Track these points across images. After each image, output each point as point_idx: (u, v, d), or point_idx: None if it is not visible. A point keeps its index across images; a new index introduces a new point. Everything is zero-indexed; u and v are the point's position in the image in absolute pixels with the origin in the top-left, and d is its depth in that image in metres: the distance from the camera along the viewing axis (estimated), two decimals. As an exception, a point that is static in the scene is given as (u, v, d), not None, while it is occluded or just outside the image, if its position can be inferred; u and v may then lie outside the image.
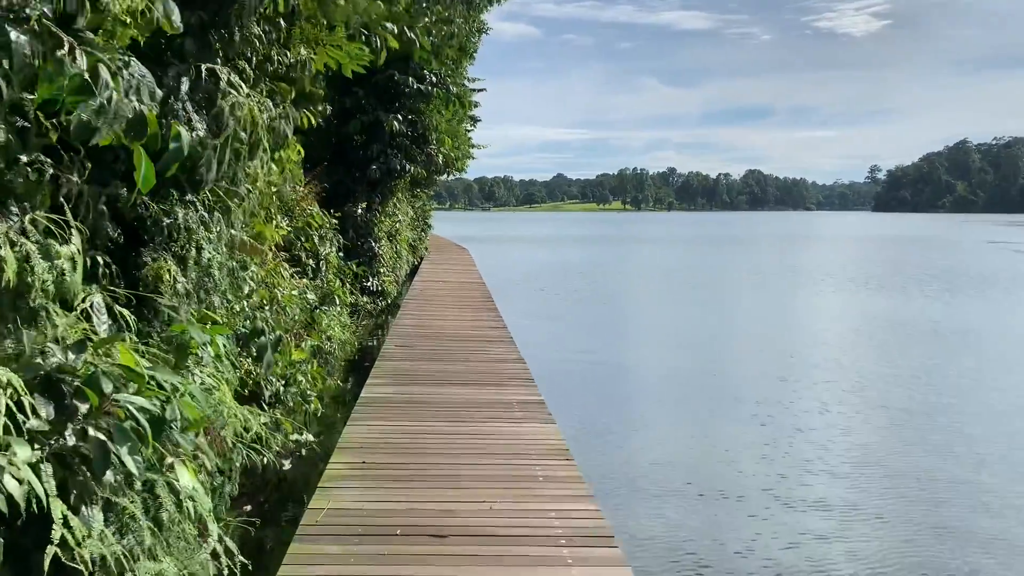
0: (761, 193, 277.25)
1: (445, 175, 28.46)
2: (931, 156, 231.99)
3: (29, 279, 3.11)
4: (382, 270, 17.59)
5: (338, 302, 12.42)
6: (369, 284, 16.91)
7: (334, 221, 12.01)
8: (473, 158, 29.89)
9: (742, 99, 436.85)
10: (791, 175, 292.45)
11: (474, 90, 23.96)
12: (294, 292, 8.64)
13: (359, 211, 16.09)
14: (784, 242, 64.16)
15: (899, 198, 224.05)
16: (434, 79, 17.85)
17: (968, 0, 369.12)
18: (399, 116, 16.90)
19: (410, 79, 17.01)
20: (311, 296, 11.69)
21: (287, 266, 10.35)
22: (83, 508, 2.87)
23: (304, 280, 11.64)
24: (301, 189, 11.99)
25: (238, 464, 5.18)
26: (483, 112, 27.92)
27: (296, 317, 8.60)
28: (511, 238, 68.28)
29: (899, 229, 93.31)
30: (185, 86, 5.09)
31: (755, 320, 19.96)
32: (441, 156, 20.28)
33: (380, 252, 17.37)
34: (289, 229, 11.34)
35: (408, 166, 17.38)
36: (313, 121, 6.67)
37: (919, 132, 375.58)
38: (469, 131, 28.64)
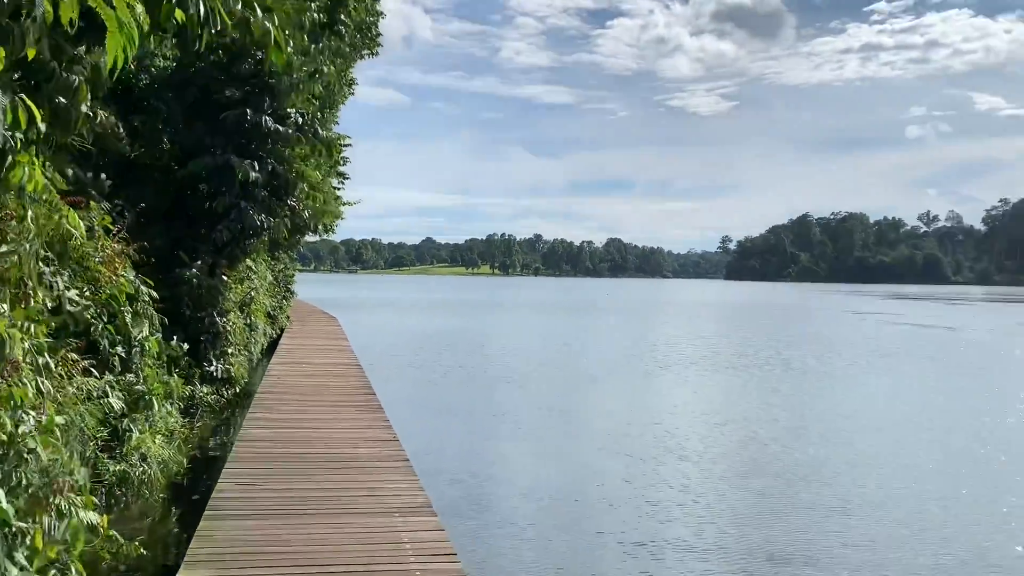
0: (622, 260, 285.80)
1: (313, 236, 25.10)
2: (777, 228, 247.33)
3: None
4: (229, 351, 13.96)
5: (156, 406, 8.88)
6: (211, 369, 13.26)
7: (153, 293, 8.57)
8: (343, 218, 26.84)
9: (604, 171, 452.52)
10: (649, 244, 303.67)
11: (343, 145, 20.93)
12: (58, 418, 5.22)
13: (198, 276, 12.53)
14: (659, 309, 63.88)
15: (748, 267, 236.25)
16: (299, 120, 14.72)
17: (807, 87, 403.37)
18: (255, 163, 13.59)
19: (265, 118, 13.80)
20: (115, 401, 8.11)
21: (70, 363, 6.86)
22: None
23: (105, 378, 8.07)
24: (109, 246, 8.51)
25: None
26: (351, 173, 25.24)
27: (62, 462, 5.17)
28: (383, 303, 64.28)
29: (762, 297, 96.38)
30: None
31: (689, 414, 17.65)
32: (307, 212, 16.97)
33: (227, 328, 13.77)
34: (86, 304, 7.85)
35: (267, 223, 14.00)
36: (68, 132, 3.52)
37: (765, 206, 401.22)
38: (338, 188, 25.55)
